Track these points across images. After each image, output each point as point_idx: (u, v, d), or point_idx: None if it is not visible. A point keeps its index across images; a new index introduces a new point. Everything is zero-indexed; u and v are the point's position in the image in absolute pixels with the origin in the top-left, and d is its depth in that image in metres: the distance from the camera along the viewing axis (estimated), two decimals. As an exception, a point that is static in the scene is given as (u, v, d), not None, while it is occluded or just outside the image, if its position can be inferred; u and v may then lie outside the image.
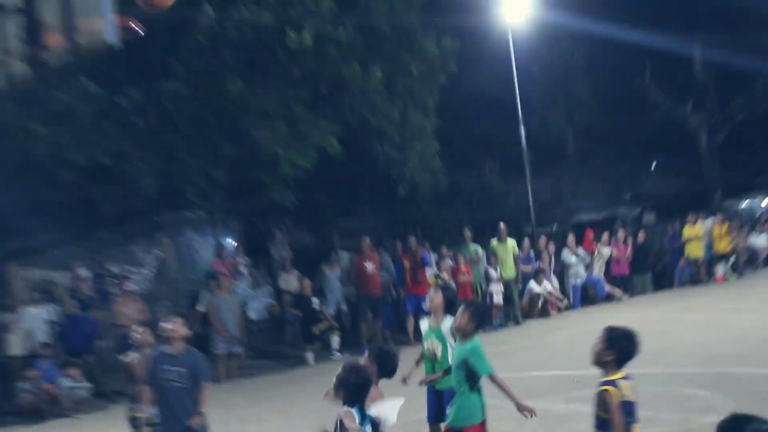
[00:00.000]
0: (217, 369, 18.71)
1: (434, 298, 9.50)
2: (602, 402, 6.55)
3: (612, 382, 6.59)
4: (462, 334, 8.47)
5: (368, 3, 20.70)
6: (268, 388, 16.90)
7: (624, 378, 6.66)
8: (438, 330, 9.34)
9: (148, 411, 10.14)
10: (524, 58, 27.17)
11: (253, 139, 19.55)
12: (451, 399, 8.71)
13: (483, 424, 8.41)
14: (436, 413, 9.36)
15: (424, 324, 9.72)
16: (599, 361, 6.75)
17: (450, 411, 8.57)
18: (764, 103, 35.94)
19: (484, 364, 8.28)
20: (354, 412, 6.79)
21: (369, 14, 20.61)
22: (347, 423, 6.71)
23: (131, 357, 10.57)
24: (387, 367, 7.71)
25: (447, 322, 9.22)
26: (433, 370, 9.39)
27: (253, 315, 21.73)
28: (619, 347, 6.70)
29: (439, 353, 9.26)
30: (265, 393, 16.19)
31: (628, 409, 6.60)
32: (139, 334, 10.55)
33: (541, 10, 26.76)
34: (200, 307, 19.77)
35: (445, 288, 9.91)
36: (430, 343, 9.40)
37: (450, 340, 9.16)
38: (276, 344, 21.84)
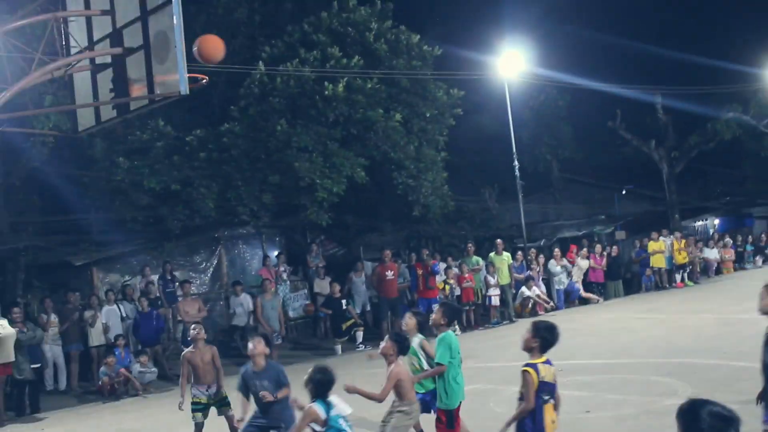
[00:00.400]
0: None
1: (408, 322, 9.07)
2: (523, 380, 6.58)
3: (533, 365, 6.61)
4: (436, 327, 8.45)
5: (390, 60, 20.81)
6: (303, 374, 16.91)
7: (545, 362, 6.67)
8: (411, 347, 8.85)
9: (202, 394, 10.28)
10: (517, 104, 27.28)
11: (294, 169, 19.63)
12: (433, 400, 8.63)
13: (458, 408, 8.28)
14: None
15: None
16: (526, 348, 6.75)
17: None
18: (714, 140, 36.08)
19: (442, 353, 8.18)
20: (317, 405, 7.01)
21: (391, 69, 20.73)
22: (307, 413, 7.01)
23: (187, 350, 10.56)
24: (402, 346, 7.96)
25: (416, 340, 8.98)
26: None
27: (292, 313, 21.81)
28: (541, 336, 6.69)
29: (416, 364, 9.05)
30: (301, 378, 16.21)
31: (544, 388, 6.62)
32: (194, 330, 10.53)
33: (531, 66, 26.95)
34: (231, 310, 20.30)
35: (416, 313, 9.64)
36: (409, 358, 8.90)
37: (420, 352, 9.01)
38: (310, 338, 21.88)
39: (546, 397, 6.69)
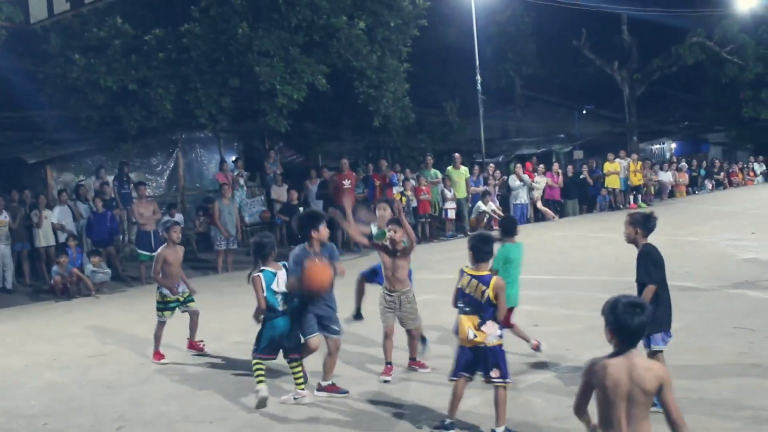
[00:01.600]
0: (218, 262, 18.86)
1: (384, 213, 9.18)
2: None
3: (461, 270, 6.86)
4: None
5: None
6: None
7: (472, 273, 6.73)
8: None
9: (173, 293, 10.22)
10: (483, 19, 26.97)
11: (254, 74, 19.35)
12: None
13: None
14: None
15: (374, 229, 9.33)
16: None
17: None
18: (677, 64, 36.19)
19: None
20: (261, 274, 7.78)
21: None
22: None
23: (162, 248, 10.37)
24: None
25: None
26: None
27: (248, 219, 21.73)
28: (471, 247, 6.86)
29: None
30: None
31: (461, 295, 6.78)
32: (174, 230, 10.41)
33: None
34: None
35: (389, 202, 9.77)
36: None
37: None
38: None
39: (462, 305, 6.74)
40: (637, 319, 4.20)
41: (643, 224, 7.42)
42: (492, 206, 23.29)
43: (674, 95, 40.76)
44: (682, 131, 42.18)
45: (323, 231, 7.86)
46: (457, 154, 23.42)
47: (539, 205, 24.46)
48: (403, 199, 21.74)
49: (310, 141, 26.28)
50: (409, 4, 21.73)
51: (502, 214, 23.46)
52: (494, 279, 6.64)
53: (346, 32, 20.31)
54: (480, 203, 23.06)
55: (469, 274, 6.72)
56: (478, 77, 25.88)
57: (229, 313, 12.68)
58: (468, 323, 6.66)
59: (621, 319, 4.22)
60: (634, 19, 35.67)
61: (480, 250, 6.77)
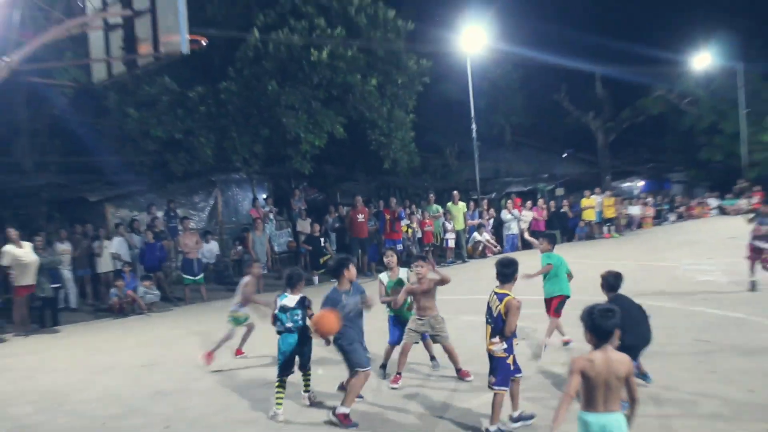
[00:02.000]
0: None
1: (391, 259, 9.18)
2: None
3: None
4: (545, 251, 10.12)
5: (369, 32, 20.54)
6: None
7: (497, 291, 6.73)
8: (398, 279, 9.06)
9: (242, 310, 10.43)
10: (477, 76, 27.09)
11: (282, 124, 19.46)
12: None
13: (559, 298, 9.96)
14: (398, 337, 9.08)
15: (384, 277, 9.21)
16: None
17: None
18: (643, 114, 36.40)
19: (547, 261, 10.06)
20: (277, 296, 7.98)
21: (369, 40, 20.48)
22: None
23: (247, 278, 10.46)
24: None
25: (403, 272, 9.11)
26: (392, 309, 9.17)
27: (277, 248, 21.79)
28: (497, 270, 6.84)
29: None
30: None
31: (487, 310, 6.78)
32: (255, 266, 10.73)
33: (491, 42, 26.75)
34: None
35: (394, 250, 9.76)
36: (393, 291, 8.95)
37: (406, 281, 8.98)
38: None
39: (486, 317, 6.75)
40: (610, 321, 4.71)
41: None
42: (486, 236, 23.37)
43: (641, 141, 40.84)
44: (648, 171, 42.20)
45: (352, 270, 7.79)
46: (455, 192, 23.44)
47: (526, 235, 24.31)
48: (410, 230, 21.82)
49: (330, 181, 26.37)
50: (414, 64, 21.80)
51: (494, 243, 23.61)
52: (507, 299, 6.59)
53: (360, 89, 20.37)
54: (476, 234, 23.17)
55: (494, 292, 6.76)
56: (474, 126, 25.92)
57: (263, 327, 12.69)
58: (487, 332, 6.72)
59: (597, 322, 4.72)
60: (606, 76, 35.89)
61: (501, 273, 6.80)
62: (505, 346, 6.63)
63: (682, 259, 18.25)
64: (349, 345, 7.42)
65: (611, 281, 7.89)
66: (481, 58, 28.27)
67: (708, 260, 17.64)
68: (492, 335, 6.66)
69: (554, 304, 9.87)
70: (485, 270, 19.64)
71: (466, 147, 28.19)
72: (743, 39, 33.19)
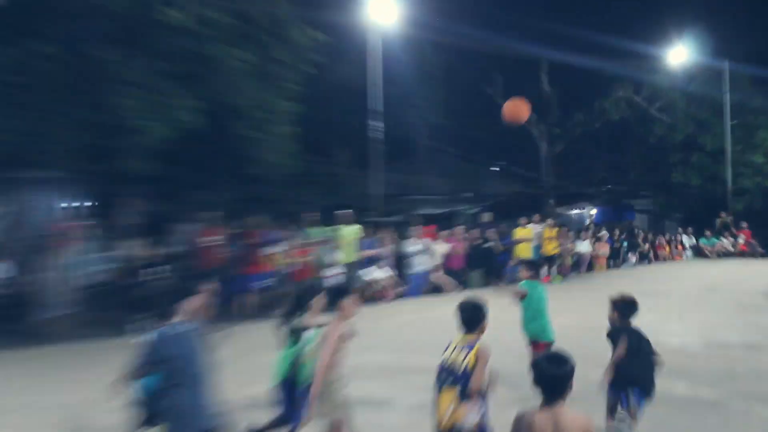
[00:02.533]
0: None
1: (318, 301, 9.25)
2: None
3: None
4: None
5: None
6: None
7: (460, 343, 7.13)
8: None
9: None
10: (386, 59, 27.27)
11: (115, 106, 19.10)
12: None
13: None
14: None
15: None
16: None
17: None
18: (601, 119, 37.07)
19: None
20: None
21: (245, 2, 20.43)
22: None
23: None
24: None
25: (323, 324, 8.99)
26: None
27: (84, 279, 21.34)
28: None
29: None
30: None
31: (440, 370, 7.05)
32: None
33: (406, 16, 26.88)
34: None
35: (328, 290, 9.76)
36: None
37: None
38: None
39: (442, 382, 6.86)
40: (561, 369, 5.06)
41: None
42: (380, 275, 23.06)
43: (597, 155, 41.68)
44: (604, 195, 42.89)
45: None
46: (346, 212, 23.25)
47: (435, 276, 24.29)
48: (281, 259, 21.60)
49: (180, 188, 25.97)
50: (302, 35, 21.75)
51: (394, 282, 23.48)
52: (479, 346, 6.95)
53: (227, 64, 20.29)
54: (364, 271, 22.79)
55: (456, 345, 6.97)
56: (378, 123, 26.03)
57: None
58: (448, 399, 6.73)
59: (542, 372, 5.09)
60: (555, 67, 36.45)
61: (467, 319, 7.22)
62: (478, 417, 6.68)
63: (644, 315, 18.57)
64: None
65: (622, 308, 9.03)
66: (394, 36, 28.44)
67: (678, 319, 18.06)
68: (461, 399, 6.68)
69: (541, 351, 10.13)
70: (384, 320, 19.59)
71: (366, 152, 28.30)
72: (731, 31, 34.33)
